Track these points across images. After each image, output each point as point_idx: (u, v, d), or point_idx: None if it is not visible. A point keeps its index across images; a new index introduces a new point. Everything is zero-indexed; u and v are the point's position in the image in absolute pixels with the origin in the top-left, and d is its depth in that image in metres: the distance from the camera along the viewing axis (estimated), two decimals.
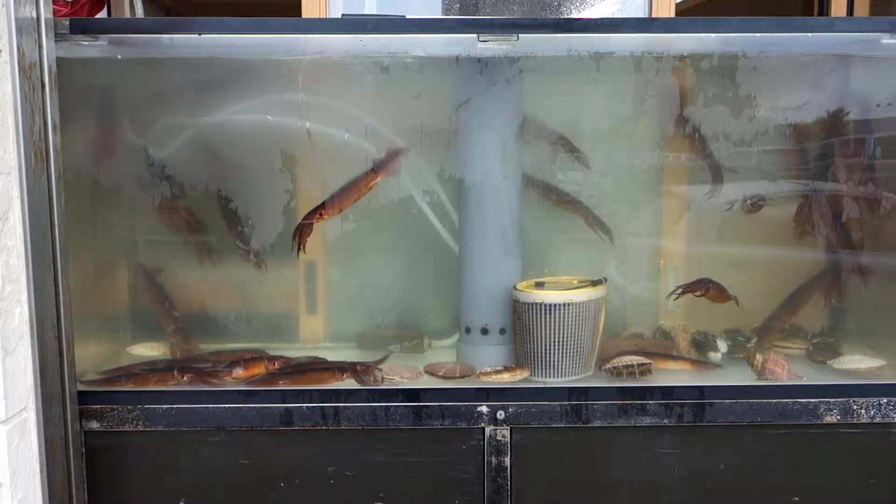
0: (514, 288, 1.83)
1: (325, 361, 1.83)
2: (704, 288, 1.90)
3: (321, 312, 2.07)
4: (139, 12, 2.33)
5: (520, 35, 1.65)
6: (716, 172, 1.98)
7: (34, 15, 1.47)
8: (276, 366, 1.81)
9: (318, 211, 1.86)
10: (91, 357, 1.86)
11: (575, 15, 2.19)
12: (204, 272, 2.00)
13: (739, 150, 1.97)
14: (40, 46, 1.48)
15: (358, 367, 1.76)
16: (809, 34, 1.68)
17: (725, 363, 1.90)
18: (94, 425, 1.66)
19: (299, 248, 1.88)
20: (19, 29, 1.41)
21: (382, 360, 1.81)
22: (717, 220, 2.04)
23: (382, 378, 1.76)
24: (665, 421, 1.69)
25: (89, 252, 1.94)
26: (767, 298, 2.06)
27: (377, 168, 1.87)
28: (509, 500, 1.70)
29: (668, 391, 1.70)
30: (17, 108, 1.40)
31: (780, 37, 1.70)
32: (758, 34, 1.68)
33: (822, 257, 2.03)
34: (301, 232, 1.87)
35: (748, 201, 1.95)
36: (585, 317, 1.79)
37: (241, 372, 1.80)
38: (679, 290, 1.92)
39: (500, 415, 1.68)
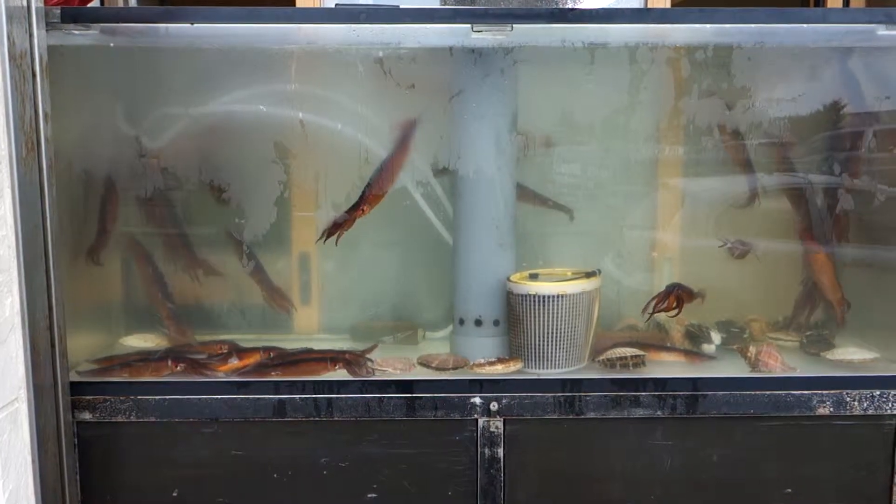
0: (508, 279, 1.83)
1: (313, 351, 1.83)
2: (676, 298, 1.88)
3: (315, 304, 2.07)
4: (132, 0, 2.32)
5: (514, 25, 1.65)
6: (752, 186, 1.97)
7: (24, 3, 1.45)
8: (267, 356, 1.82)
9: (360, 207, 1.84)
10: (85, 348, 1.86)
11: (570, 5, 2.18)
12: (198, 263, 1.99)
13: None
14: (31, 35, 1.47)
15: (347, 356, 1.75)
16: (805, 25, 1.68)
17: (719, 355, 1.91)
18: (87, 416, 1.66)
19: (328, 238, 1.87)
20: (9, 17, 1.40)
21: (371, 349, 1.81)
22: (713, 212, 2.04)
23: (374, 369, 1.76)
24: (658, 412, 1.69)
25: (83, 243, 1.94)
26: (764, 291, 2.07)
27: (399, 153, 1.85)
28: (502, 492, 1.70)
29: (661, 383, 1.70)
30: (7, 98, 1.39)
31: (776, 28, 1.70)
32: (753, 25, 1.68)
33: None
34: (337, 227, 1.86)
35: (737, 244, 1.94)
36: (579, 308, 1.79)
37: (236, 363, 1.80)
38: (651, 307, 1.88)
39: (494, 406, 1.68)
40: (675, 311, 1.89)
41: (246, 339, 1.95)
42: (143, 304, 2.00)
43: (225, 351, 1.87)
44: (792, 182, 2.00)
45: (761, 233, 2.05)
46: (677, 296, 1.88)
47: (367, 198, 1.85)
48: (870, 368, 1.80)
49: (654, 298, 1.89)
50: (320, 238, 1.87)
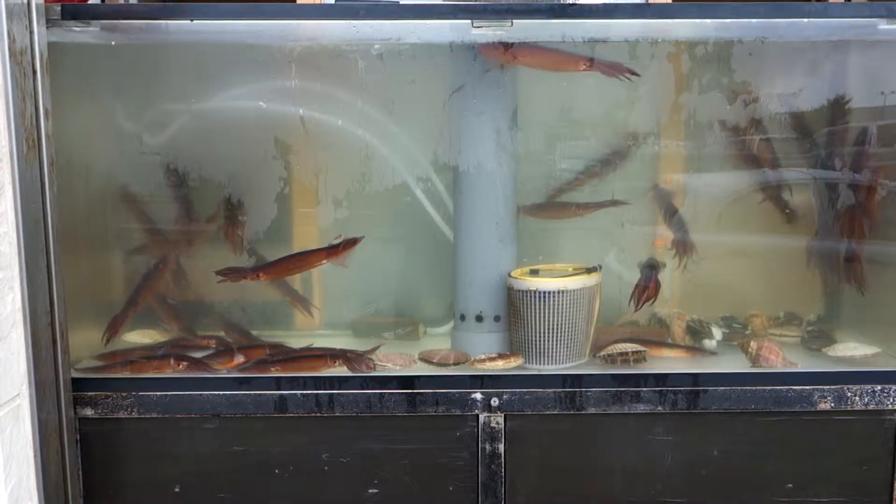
0: (509, 275, 1.83)
1: (313, 349, 1.83)
2: (655, 284, 1.88)
3: (316, 299, 2.07)
4: None
5: (514, 21, 1.65)
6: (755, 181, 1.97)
7: (24, 0, 1.46)
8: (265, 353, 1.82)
9: (257, 271, 1.87)
10: (86, 345, 1.87)
11: (570, 0, 2.17)
12: (198, 259, 1.99)
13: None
14: (31, 32, 1.47)
15: (349, 355, 1.76)
16: (805, 20, 1.68)
17: (720, 350, 1.90)
18: (89, 412, 1.66)
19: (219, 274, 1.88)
20: (9, 14, 1.40)
21: (373, 350, 1.81)
22: (715, 208, 2.04)
23: (375, 366, 1.76)
24: (659, 408, 1.69)
25: (85, 240, 1.94)
26: (764, 286, 2.06)
27: (331, 252, 1.88)
28: (503, 487, 1.71)
29: (662, 378, 1.70)
30: (7, 95, 1.40)
31: (777, 22, 1.70)
32: (753, 20, 1.67)
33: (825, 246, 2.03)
34: (233, 275, 1.87)
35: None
36: (580, 304, 1.79)
37: (241, 360, 1.80)
38: (637, 300, 1.89)
39: (495, 402, 1.68)
40: (654, 297, 1.89)
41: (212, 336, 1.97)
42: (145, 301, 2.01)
43: (213, 346, 1.88)
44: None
45: (762, 228, 2.05)
46: (655, 280, 1.88)
47: (270, 268, 1.88)
48: (871, 363, 1.80)
49: (636, 290, 1.88)
50: (218, 273, 1.88)
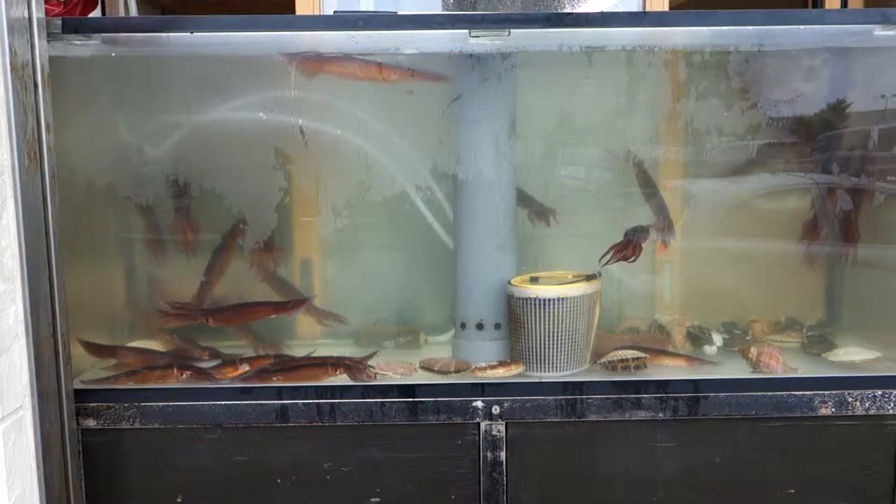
0: (509, 283, 1.83)
1: (313, 357, 1.84)
2: (634, 248, 1.87)
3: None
4: (133, 11, 2.33)
5: (511, 30, 1.65)
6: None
7: (26, 15, 1.47)
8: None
9: (206, 315, 1.89)
10: (88, 356, 1.87)
11: (569, 10, 2.18)
12: (199, 267, 2.00)
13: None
14: (32, 46, 1.48)
15: (346, 362, 1.76)
16: (802, 27, 1.68)
17: (720, 356, 1.91)
18: (91, 423, 1.67)
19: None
20: (11, 29, 1.41)
21: (371, 356, 1.82)
22: (715, 214, 2.04)
23: (376, 374, 1.77)
24: (660, 414, 1.70)
25: (88, 250, 1.95)
26: (764, 292, 2.07)
27: (279, 308, 1.92)
28: (505, 495, 1.71)
29: (662, 385, 1.70)
30: (9, 108, 1.41)
31: (773, 29, 1.70)
32: (750, 27, 1.68)
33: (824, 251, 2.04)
34: (175, 315, 1.90)
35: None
36: (580, 311, 1.79)
37: (246, 369, 1.81)
38: (611, 256, 1.88)
39: (496, 409, 1.69)
40: (633, 258, 1.89)
41: (246, 346, 1.97)
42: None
43: (206, 357, 1.89)
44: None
45: (762, 233, 2.06)
46: (636, 245, 1.87)
47: (219, 314, 1.90)
48: (871, 368, 1.80)
49: (613, 247, 1.88)
50: (162, 311, 1.92)
